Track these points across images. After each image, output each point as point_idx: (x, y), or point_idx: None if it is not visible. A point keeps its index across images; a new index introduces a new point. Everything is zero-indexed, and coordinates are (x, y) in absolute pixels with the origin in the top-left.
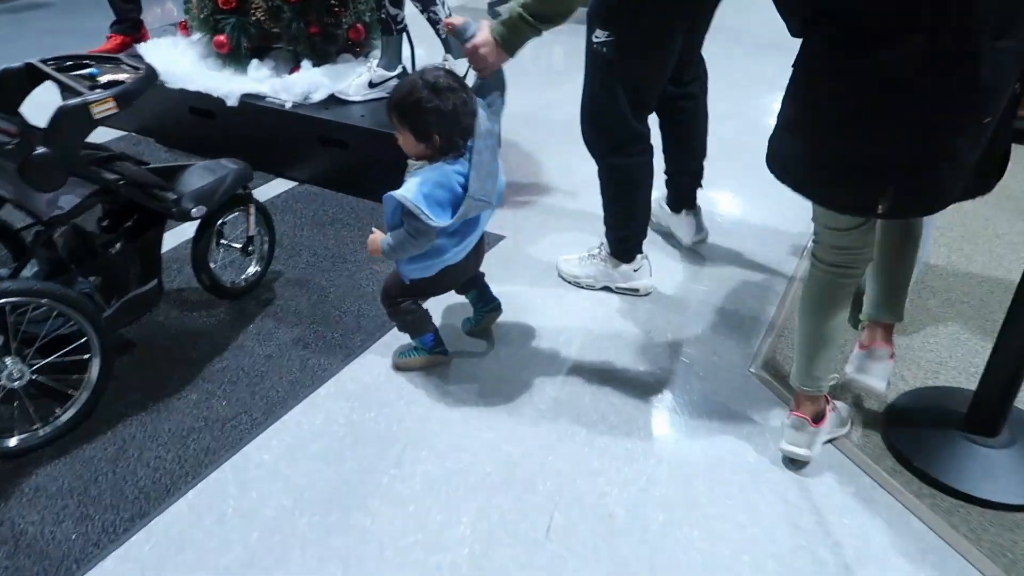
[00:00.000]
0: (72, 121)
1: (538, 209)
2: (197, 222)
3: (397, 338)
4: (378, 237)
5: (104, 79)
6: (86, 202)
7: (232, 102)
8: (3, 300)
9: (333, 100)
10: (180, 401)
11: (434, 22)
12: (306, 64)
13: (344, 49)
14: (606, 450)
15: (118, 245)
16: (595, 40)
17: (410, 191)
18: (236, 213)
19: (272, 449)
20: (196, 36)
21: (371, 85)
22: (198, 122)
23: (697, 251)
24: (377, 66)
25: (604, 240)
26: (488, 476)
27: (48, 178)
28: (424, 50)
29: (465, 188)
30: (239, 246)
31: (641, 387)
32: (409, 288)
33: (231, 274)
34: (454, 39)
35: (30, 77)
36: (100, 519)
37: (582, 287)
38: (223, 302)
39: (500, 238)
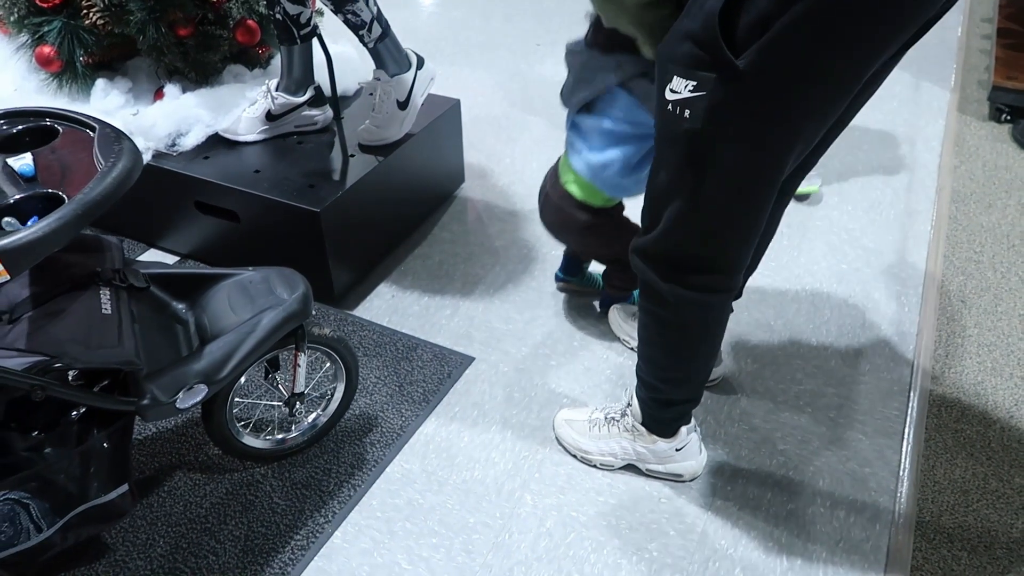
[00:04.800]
0: None
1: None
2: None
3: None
4: None
5: (41, 180)
6: None
7: None
8: None
9: (217, 141)
10: None
11: (356, 27)
12: (172, 88)
13: (233, 58)
14: None
15: (48, 448)
16: (670, 96)
17: None
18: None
19: None
20: (22, 39)
21: (270, 117)
22: None
23: None
24: (276, 88)
25: (632, 401)
26: None
27: None
28: (351, 55)
29: None
30: (284, 397)
31: None
32: None
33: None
34: (387, 51)
35: None
36: None
37: (594, 465)
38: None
39: None
